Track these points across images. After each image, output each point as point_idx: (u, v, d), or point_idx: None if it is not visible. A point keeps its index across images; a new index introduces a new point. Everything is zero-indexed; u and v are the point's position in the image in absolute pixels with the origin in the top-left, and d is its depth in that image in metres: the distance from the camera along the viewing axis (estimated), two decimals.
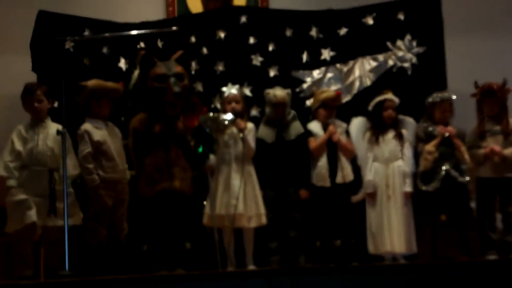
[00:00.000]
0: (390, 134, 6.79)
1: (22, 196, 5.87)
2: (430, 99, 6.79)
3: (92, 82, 6.27)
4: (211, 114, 6.53)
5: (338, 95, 6.91)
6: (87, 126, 6.17)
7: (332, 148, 6.76)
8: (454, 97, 6.80)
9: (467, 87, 6.79)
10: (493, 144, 6.58)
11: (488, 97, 6.67)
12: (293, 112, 6.91)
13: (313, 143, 6.80)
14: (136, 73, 6.84)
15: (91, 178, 6.02)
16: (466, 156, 6.59)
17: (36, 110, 6.10)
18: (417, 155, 6.80)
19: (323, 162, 6.74)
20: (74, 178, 6.15)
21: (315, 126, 6.88)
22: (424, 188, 6.61)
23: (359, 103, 7.26)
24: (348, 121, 7.01)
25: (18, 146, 5.95)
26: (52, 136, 6.02)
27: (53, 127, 6.08)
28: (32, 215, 5.84)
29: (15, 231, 5.90)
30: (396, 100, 6.87)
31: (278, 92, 6.79)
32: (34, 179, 5.95)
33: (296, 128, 6.83)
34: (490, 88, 6.66)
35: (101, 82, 6.31)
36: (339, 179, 6.70)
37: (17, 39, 7.59)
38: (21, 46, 7.30)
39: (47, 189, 5.95)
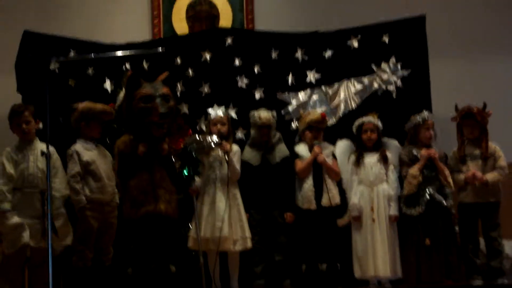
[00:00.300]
0: (374, 157, 6.79)
1: (16, 220, 5.88)
2: (411, 122, 6.82)
3: (82, 105, 6.29)
4: (196, 136, 6.51)
5: (323, 117, 6.91)
6: (77, 146, 6.20)
7: (318, 170, 6.75)
8: (433, 116, 6.85)
9: (452, 110, 6.83)
10: (473, 168, 6.62)
11: (467, 120, 6.70)
12: (278, 134, 6.92)
13: (299, 164, 6.79)
14: (122, 94, 6.82)
15: (78, 199, 6.02)
16: (450, 180, 6.62)
17: (24, 131, 6.11)
18: (401, 178, 6.80)
19: (308, 184, 6.72)
20: (66, 198, 6.12)
21: (301, 148, 6.88)
22: (408, 212, 6.63)
23: (344, 126, 7.25)
24: (334, 144, 7.01)
25: (9, 168, 5.96)
26: (41, 157, 5.98)
27: (41, 148, 6.05)
28: (25, 237, 5.86)
29: (7, 254, 5.88)
30: (376, 122, 6.87)
31: (263, 114, 6.80)
32: (27, 201, 5.98)
33: (281, 150, 6.84)
34: (470, 111, 6.70)
35: (91, 104, 6.32)
36: (324, 201, 6.67)
37: (1, 59, 7.55)
38: (5, 67, 7.27)
39: (39, 211, 5.94)
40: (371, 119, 6.87)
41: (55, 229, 5.88)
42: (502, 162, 6.67)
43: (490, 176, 6.56)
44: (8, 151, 6.05)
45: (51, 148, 6.05)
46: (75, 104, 6.35)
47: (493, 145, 6.70)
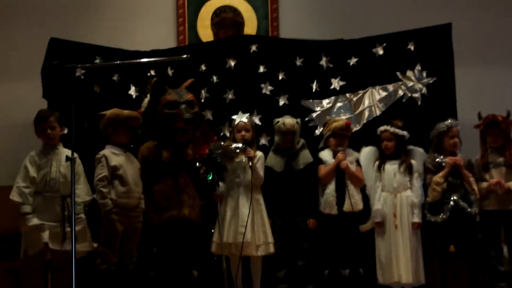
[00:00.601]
0: (397, 165, 6.76)
1: (36, 221, 5.90)
2: (436, 130, 6.79)
3: (109, 111, 6.31)
4: (221, 142, 6.54)
5: (347, 124, 6.88)
6: (105, 151, 6.22)
7: (341, 176, 6.73)
8: (457, 124, 6.80)
9: (476, 118, 6.79)
10: (496, 175, 6.58)
11: (491, 129, 6.66)
12: (302, 141, 6.91)
13: (322, 169, 6.79)
14: (146, 100, 6.89)
15: (104, 203, 6.04)
16: (475, 187, 6.57)
17: (48, 136, 6.13)
18: (425, 186, 6.76)
19: (330, 189, 6.71)
20: (87, 204, 6.17)
21: (326, 154, 6.88)
22: (432, 219, 6.58)
23: (369, 133, 7.23)
24: (358, 150, 6.98)
25: (32, 172, 5.99)
26: (65, 163, 6.03)
27: (65, 154, 6.08)
28: (45, 237, 5.89)
29: (29, 255, 5.92)
30: (393, 130, 6.82)
31: (288, 120, 6.81)
32: (47, 205, 5.99)
33: (305, 157, 6.83)
34: (494, 119, 6.65)
35: (118, 111, 6.34)
36: (346, 207, 6.64)
37: (27, 66, 7.64)
38: (31, 73, 7.34)
39: (59, 215, 5.97)
40: (388, 128, 6.84)
41: (65, 235, 5.94)
42: None
43: None
44: (32, 155, 6.08)
45: (75, 154, 6.12)
46: (103, 111, 6.37)
47: None
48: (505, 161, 6.62)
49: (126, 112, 6.35)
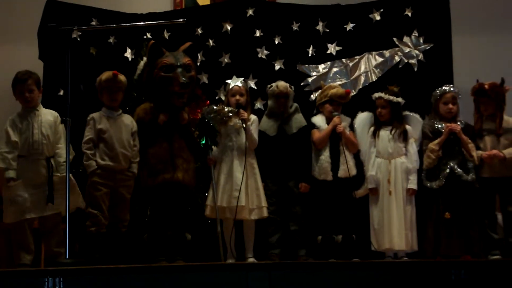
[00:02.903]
0: (393, 130, 6.75)
1: (21, 191, 5.87)
2: (433, 96, 6.76)
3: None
4: (214, 106, 6.53)
5: (347, 93, 6.80)
6: (95, 114, 6.19)
7: (336, 141, 6.70)
8: (455, 89, 6.75)
9: (473, 85, 6.76)
10: (489, 142, 6.54)
11: (481, 97, 6.61)
12: (295, 105, 6.86)
13: (316, 134, 6.75)
14: (142, 63, 6.91)
15: (88, 164, 6.04)
16: (473, 153, 6.52)
17: (26, 99, 6.04)
18: (421, 152, 6.77)
19: (325, 155, 6.69)
20: (71, 162, 6.11)
21: (319, 119, 6.83)
22: (428, 185, 6.58)
23: (364, 98, 7.21)
24: (353, 116, 6.94)
25: (14, 136, 5.92)
26: (46, 124, 6.03)
27: (46, 114, 6.10)
28: (31, 212, 5.89)
29: (8, 223, 5.95)
30: (387, 97, 6.74)
31: (281, 83, 6.76)
32: (32, 169, 5.94)
33: (298, 121, 6.79)
34: (481, 88, 6.58)
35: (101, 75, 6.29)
36: (341, 173, 6.64)
37: (24, 28, 7.63)
38: (28, 35, 7.33)
39: (44, 177, 5.95)
40: (382, 95, 6.79)
41: (51, 197, 5.91)
42: None
43: (508, 151, 6.49)
44: (12, 119, 6.00)
45: (55, 114, 6.16)
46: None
47: (511, 120, 6.62)
48: (495, 129, 6.59)
49: (104, 74, 6.28)
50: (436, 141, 6.56)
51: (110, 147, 6.09)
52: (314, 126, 6.80)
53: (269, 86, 6.85)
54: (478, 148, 6.58)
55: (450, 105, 6.66)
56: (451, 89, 6.74)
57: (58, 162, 6.00)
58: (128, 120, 6.31)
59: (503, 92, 6.59)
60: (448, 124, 6.59)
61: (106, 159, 6.08)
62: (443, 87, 6.73)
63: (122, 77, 6.25)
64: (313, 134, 6.78)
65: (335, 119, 6.70)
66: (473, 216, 6.56)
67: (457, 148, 6.57)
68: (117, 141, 6.12)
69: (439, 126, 6.63)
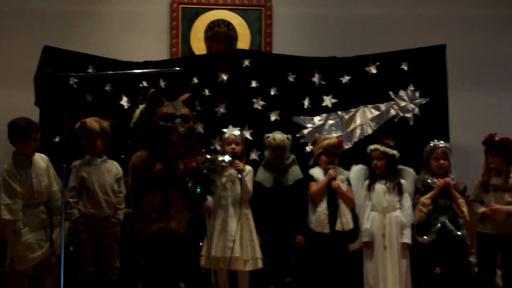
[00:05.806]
0: (388, 184, 6.74)
1: (29, 238, 5.88)
2: (425, 151, 6.78)
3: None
4: (208, 155, 6.51)
5: (340, 142, 6.85)
6: (78, 161, 6.27)
7: (333, 194, 6.71)
8: (446, 145, 6.76)
9: (469, 140, 6.80)
10: (494, 198, 6.51)
11: (489, 148, 6.59)
12: (292, 157, 6.89)
13: (314, 187, 6.76)
14: (138, 111, 6.90)
15: (71, 212, 6.09)
16: (464, 209, 6.52)
17: (33, 149, 6.06)
18: (414, 206, 6.74)
19: (322, 207, 6.68)
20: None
21: (317, 171, 6.86)
22: (419, 239, 6.56)
23: (359, 151, 7.20)
24: (348, 169, 6.97)
25: (16, 187, 5.90)
26: (42, 171, 6.07)
27: (39, 161, 6.11)
28: (37, 257, 5.91)
29: (14, 269, 5.91)
30: (383, 149, 6.79)
31: (277, 136, 6.79)
32: (33, 215, 5.95)
33: (294, 173, 6.81)
34: (491, 139, 6.58)
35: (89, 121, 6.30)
36: (338, 226, 6.63)
37: (20, 73, 7.62)
38: (24, 80, 7.32)
39: (45, 221, 5.98)
40: (378, 147, 6.83)
41: (51, 241, 5.97)
42: None
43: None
44: (8, 170, 5.96)
45: (45, 158, 6.19)
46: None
47: None
48: (501, 184, 6.54)
49: (78, 123, 6.30)
50: (428, 195, 6.57)
51: (92, 194, 6.13)
52: (312, 178, 6.80)
53: (266, 136, 6.88)
54: (481, 202, 6.56)
55: (441, 161, 6.67)
56: (441, 144, 6.74)
57: (57, 206, 5.99)
58: (112, 166, 6.35)
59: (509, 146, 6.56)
60: (440, 179, 6.58)
61: (89, 207, 6.12)
62: (434, 143, 6.74)
63: (94, 125, 6.28)
64: (311, 187, 6.78)
65: (330, 172, 6.71)
66: (464, 272, 6.52)
67: (448, 203, 6.56)
68: (99, 187, 6.16)
69: (430, 181, 6.63)
